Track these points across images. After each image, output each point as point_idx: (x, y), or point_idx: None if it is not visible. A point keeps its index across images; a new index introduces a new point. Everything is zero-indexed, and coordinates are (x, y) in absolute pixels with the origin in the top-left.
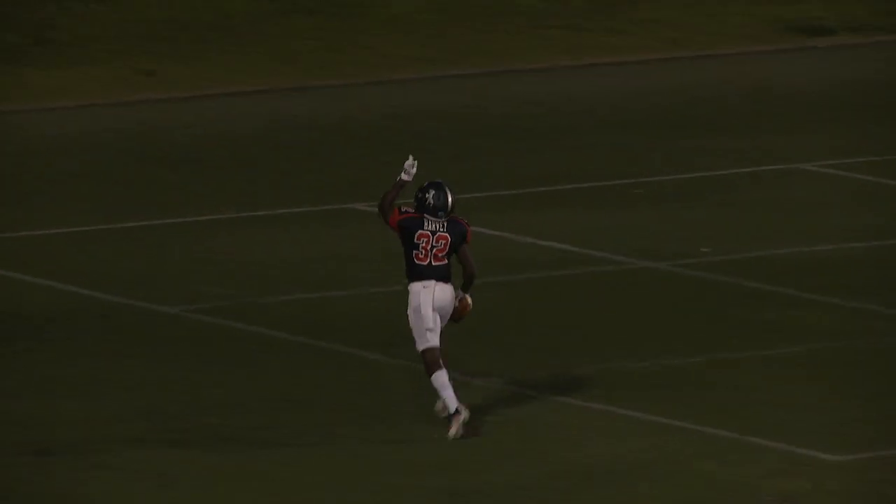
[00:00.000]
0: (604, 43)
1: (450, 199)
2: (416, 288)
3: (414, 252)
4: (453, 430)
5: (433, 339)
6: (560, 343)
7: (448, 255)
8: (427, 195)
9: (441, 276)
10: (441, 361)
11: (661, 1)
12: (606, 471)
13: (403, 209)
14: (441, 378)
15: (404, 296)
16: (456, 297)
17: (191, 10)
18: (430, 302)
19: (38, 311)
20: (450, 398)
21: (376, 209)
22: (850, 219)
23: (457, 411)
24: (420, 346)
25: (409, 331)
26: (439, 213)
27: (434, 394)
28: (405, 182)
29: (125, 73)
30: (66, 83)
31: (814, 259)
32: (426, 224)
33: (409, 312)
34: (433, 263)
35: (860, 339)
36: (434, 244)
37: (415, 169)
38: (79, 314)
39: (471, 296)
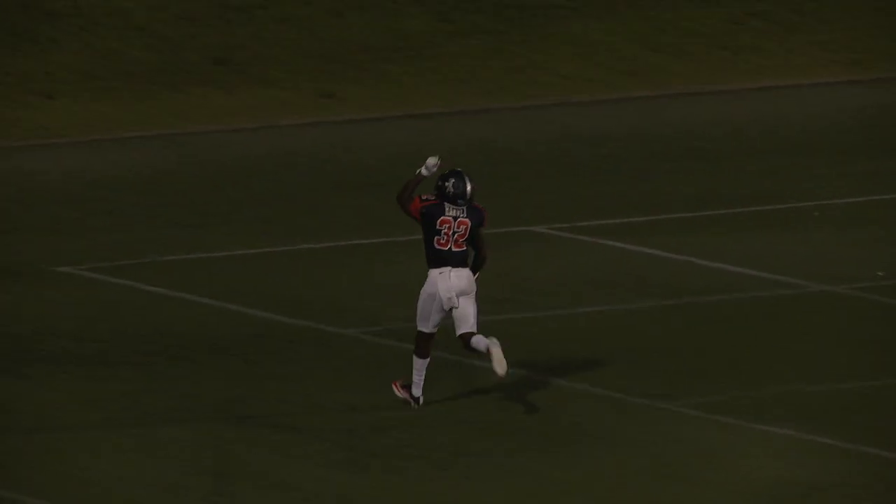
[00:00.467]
0: (782, 65)
1: (468, 187)
2: (433, 275)
3: (436, 238)
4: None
5: (432, 328)
6: (740, 366)
7: (468, 241)
8: (447, 183)
9: (458, 261)
10: (429, 350)
11: (839, 23)
12: (801, 495)
13: (424, 197)
14: (421, 364)
15: (582, 319)
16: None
17: (370, 32)
18: (446, 289)
19: (224, 333)
20: (417, 384)
21: (396, 201)
22: None
23: (416, 399)
24: (420, 328)
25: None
26: (459, 201)
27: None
28: (423, 177)
29: (305, 95)
30: (247, 105)
31: None
32: (447, 210)
33: (421, 293)
34: (453, 249)
35: None
36: (456, 229)
37: (436, 168)
38: (264, 338)
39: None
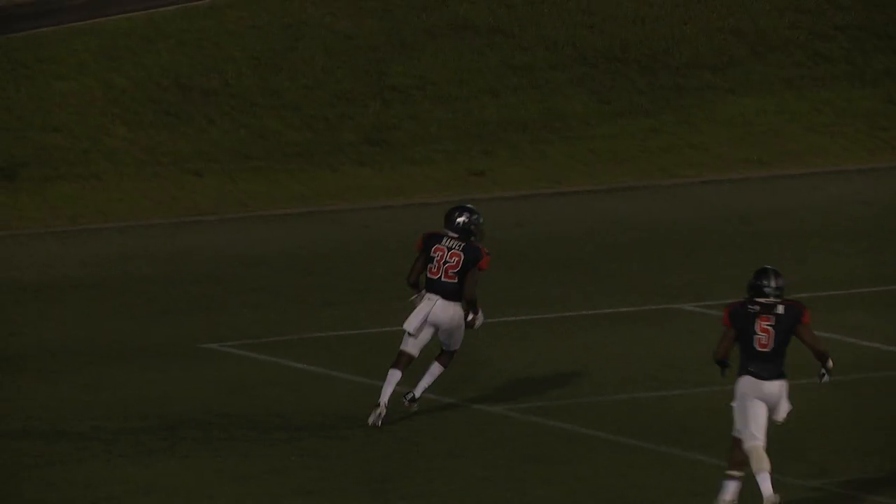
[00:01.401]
0: None
1: (468, 220)
2: (423, 294)
3: (428, 265)
4: (371, 418)
5: (408, 345)
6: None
7: (459, 275)
8: (453, 214)
9: (447, 292)
10: (404, 365)
11: None
12: None
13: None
14: (394, 376)
15: (725, 396)
16: (469, 316)
17: (523, 110)
18: (422, 313)
19: (348, 407)
20: (386, 393)
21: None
22: None
23: (380, 404)
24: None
25: None
26: (459, 233)
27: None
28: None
29: (457, 174)
30: (397, 183)
31: None
32: (444, 240)
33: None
34: (442, 279)
35: None
36: (447, 260)
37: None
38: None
39: (477, 315)
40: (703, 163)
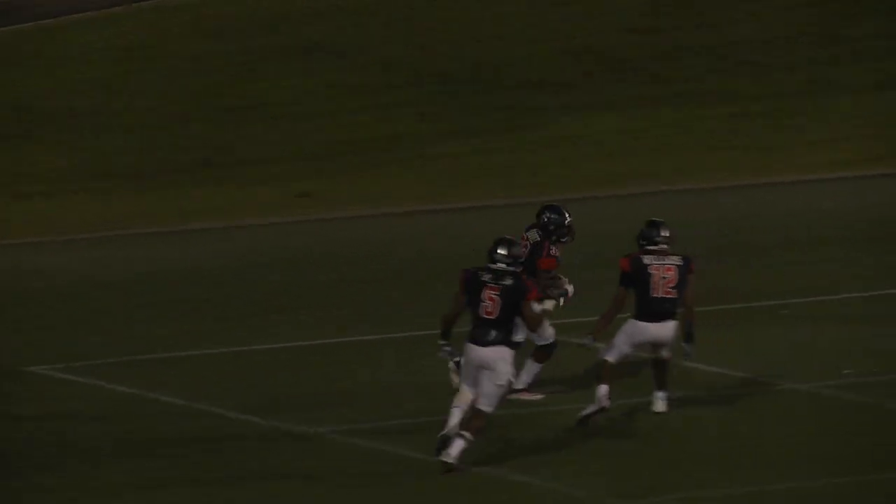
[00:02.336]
0: (791, 163)
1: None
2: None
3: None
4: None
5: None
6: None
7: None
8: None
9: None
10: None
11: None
12: None
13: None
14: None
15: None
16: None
17: (357, 131)
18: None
19: (181, 434)
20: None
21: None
22: None
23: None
24: None
25: None
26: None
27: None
28: None
29: (287, 195)
30: (231, 203)
31: None
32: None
33: None
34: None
35: None
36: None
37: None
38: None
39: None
40: (538, 182)
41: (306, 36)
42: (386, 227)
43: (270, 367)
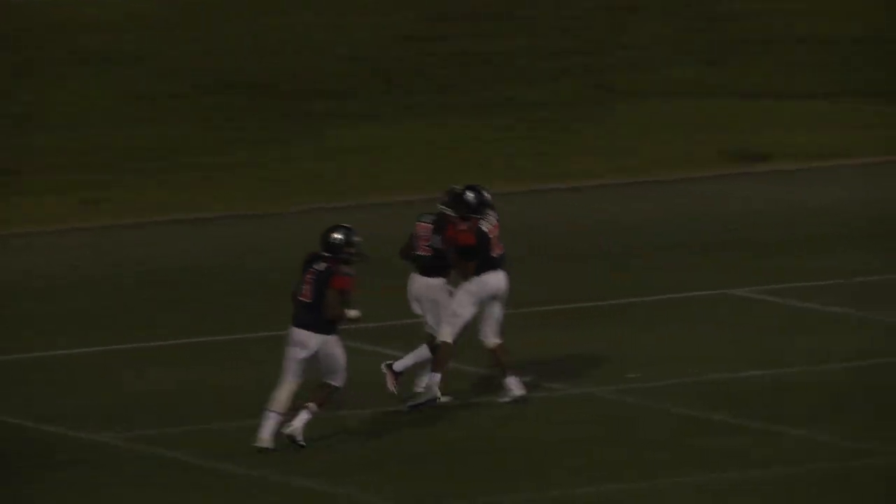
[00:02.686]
0: (545, 172)
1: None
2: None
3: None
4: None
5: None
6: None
7: None
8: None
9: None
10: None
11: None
12: None
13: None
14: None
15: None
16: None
17: (143, 139)
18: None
19: None
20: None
21: None
22: (784, 343)
23: None
24: None
25: None
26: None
27: None
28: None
29: (72, 204)
30: (12, 214)
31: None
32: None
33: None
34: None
35: (799, 466)
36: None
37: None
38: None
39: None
40: (334, 191)
41: (85, 44)
42: (179, 234)
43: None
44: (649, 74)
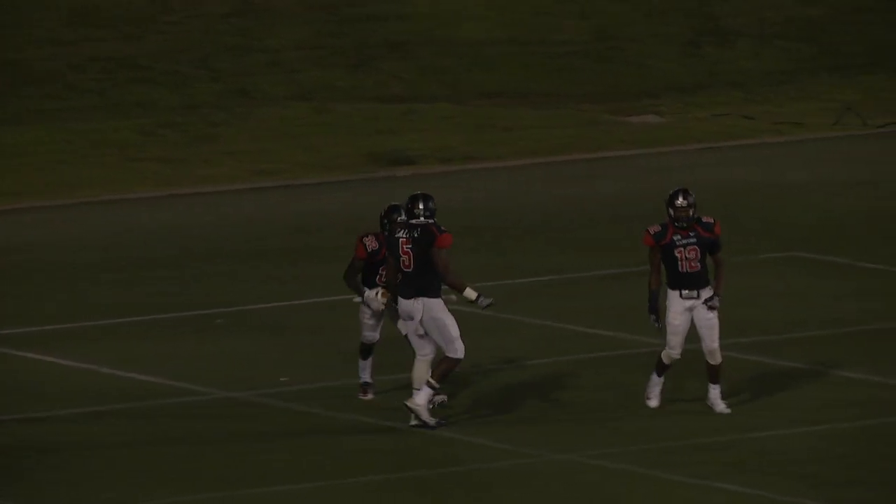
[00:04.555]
0: (194, 174)
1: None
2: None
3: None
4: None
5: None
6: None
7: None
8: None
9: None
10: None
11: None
12: None
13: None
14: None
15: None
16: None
17: None
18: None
19: None
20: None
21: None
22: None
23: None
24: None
25: None
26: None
27: None
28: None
29: None
30: None
31: None
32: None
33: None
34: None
35: None
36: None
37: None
38: None
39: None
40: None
41: None
42: None
43: None
44: (289, 77)
